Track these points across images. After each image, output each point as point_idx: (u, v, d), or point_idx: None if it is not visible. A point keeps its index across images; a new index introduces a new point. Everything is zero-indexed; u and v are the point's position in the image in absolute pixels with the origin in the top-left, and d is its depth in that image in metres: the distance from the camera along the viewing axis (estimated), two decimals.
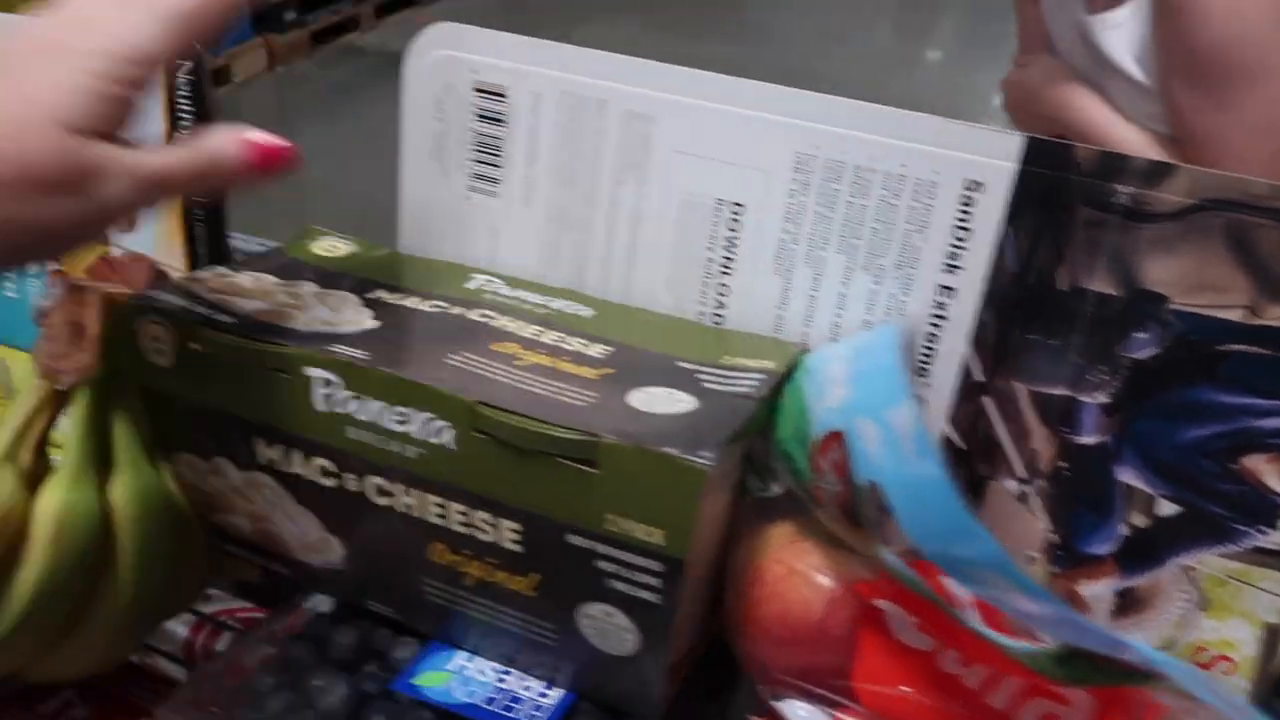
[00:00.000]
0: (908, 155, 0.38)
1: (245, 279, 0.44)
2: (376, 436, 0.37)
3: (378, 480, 0.39)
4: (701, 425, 0.34)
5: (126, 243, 0.49)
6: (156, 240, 0.48)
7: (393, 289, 0.44)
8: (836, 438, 0.35)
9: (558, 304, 0.44)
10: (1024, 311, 0.39)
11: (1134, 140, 0.72)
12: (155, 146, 0.32)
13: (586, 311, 0.43)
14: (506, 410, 0.35)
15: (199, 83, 0.46)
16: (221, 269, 0.45)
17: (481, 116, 0.45)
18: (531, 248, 0.46)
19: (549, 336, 0.41)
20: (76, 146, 0.30)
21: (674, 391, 0.37)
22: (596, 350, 0.40)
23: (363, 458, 0.38)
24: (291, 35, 2.98)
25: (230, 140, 0.33)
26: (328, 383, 0.38)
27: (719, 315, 0.44)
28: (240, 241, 0.54)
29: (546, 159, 0.44)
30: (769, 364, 0.39)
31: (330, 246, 0.48)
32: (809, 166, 0.40)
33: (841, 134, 0.39)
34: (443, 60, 0.45)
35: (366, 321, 0.41)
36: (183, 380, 0.41)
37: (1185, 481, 0.38)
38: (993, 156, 0.37)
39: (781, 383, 0.39)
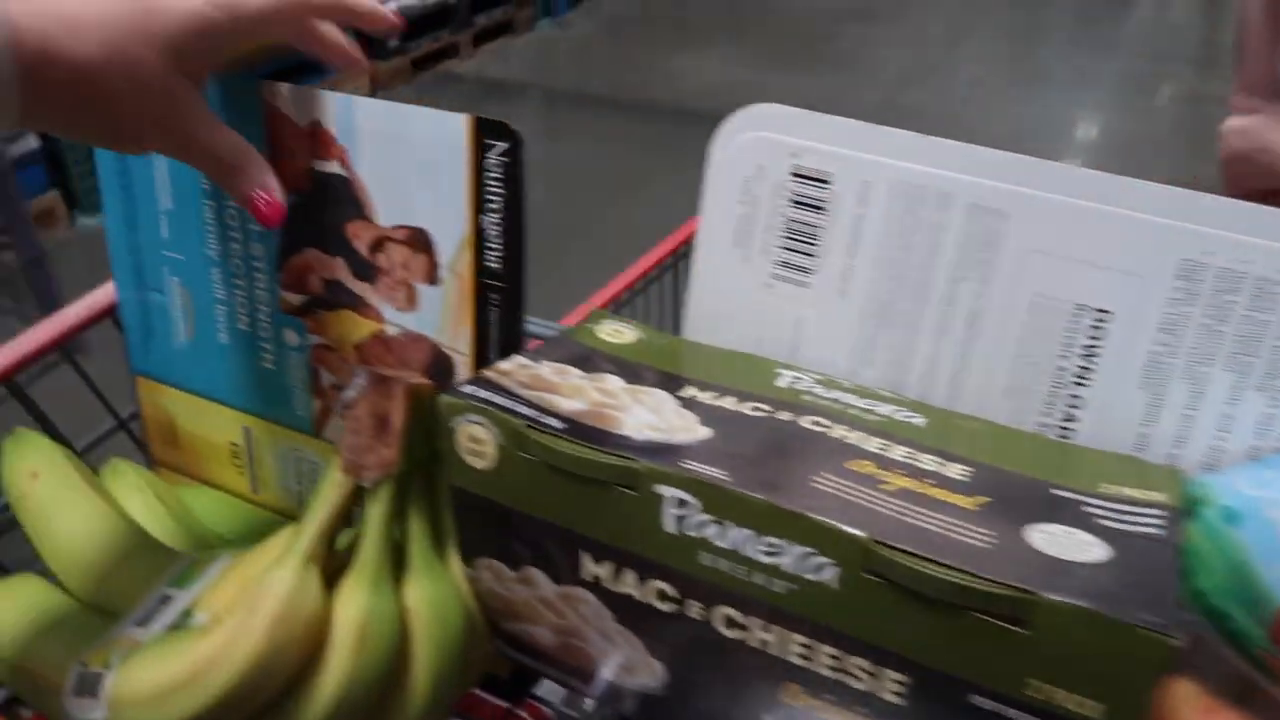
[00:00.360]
0: None
1: (547, 371, 0.41)
2: (737, 566, 0.34)
3: (729, 611, 0.35)
4: (1137, 581, 0.31)
5: (405, 321, 0.46)
6: (441, 319, 0.46)
7: (703, 386, 0.41)
8: None
9: (884, 409, 0.41)
10: None
11: None
12: None
13: (918, 419, 0.40)
14: (909, 552, 0.31)
15: None
16: (522, 359, 0.42)
17: (797, 202, 0.42)
18: (843, 343, 0.43)
19: (897, 452, 0.37)
20: None
21: (1073, 532, 0.33)
22: (955, 471, 0.37)
23: (715, 586, 0.35)
24: (394, 62, 3.01)
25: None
26: (682, 503, 0.35)
27: (1067, 429, 0.40)
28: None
29: (871, 250, 0.41)
30: (1157, 495, 0.35)
31: (615, 331, 0.46)
32: (1198, 274, 0.36)
33: (1240, 240, 0.35)
34: (757, 141, 0.42)
35: (698, 429, 0.38)
36: (503, 486, 0.38)
37: None
38: None
39: (1182, 518, 0.35)
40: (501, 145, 0.41)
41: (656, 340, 0.46)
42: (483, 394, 0.39)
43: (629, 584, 0.37)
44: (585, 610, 0.39)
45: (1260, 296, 0.36)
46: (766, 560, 0.34)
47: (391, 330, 0.47)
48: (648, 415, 0.39)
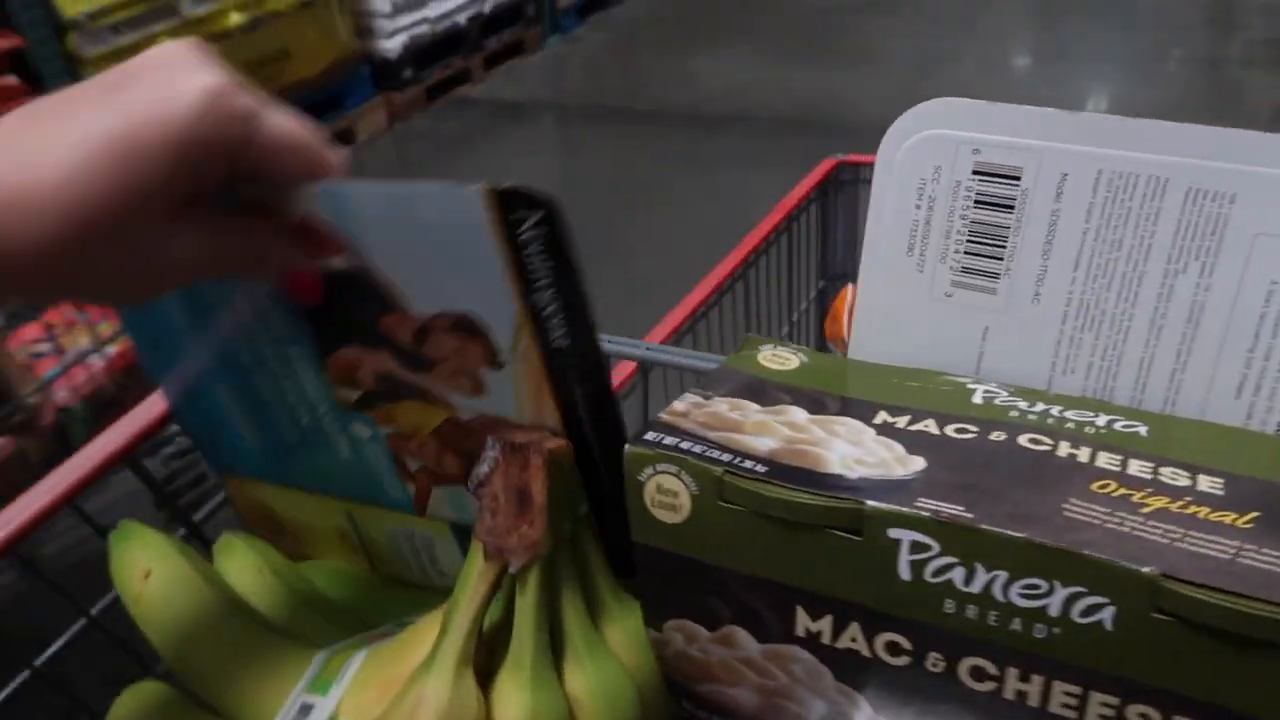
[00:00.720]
0: None
1: (724, 408, 0.38)
2: (988, 612, 0.31)
3: (978, 662, 0.32)
4: None
5: (479, 406, 0.39)
6: (516, 402, 0.38)
7: (894, 410, 0.38)
8: None
9: (1100, 420, 0.37)
10: None
11: None
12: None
13: (1140, 428, 0.36)
14: (1206, 587, 0.28)
15: None
16: (694, 397, 0.39)
17: (981, 202, 0.38)
18: (1038, 352, 0.39)
19: (1135, 467, 0.34)
20: None
21: None
22: (1207, 484, 0.33)
23: (959, 635, 0.32)
24: (409, 93, 3.00)
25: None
26: (919, 547, 0.31)
27: None
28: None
29: (1069, 248, 0.38)
30: None
31: (778, 357, 0.42)
32: None
33: None
34: (932, 140, 0.38)
35: (910, 460, 0.34)
36: (699, 539, 0.35)
37: None
38: None
39: None
40: (533, 215, 0.33)
41: (824, 363, 0.42)
42: (669, 440, 0.35)
43: (853, 638, 0.34)
44: (797, 669, 0.35)
45: None
46: (1026, 604, 0.30)
47: (466, 415, 0.40)
48: (849, 448, 0.35)
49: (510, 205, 0.32)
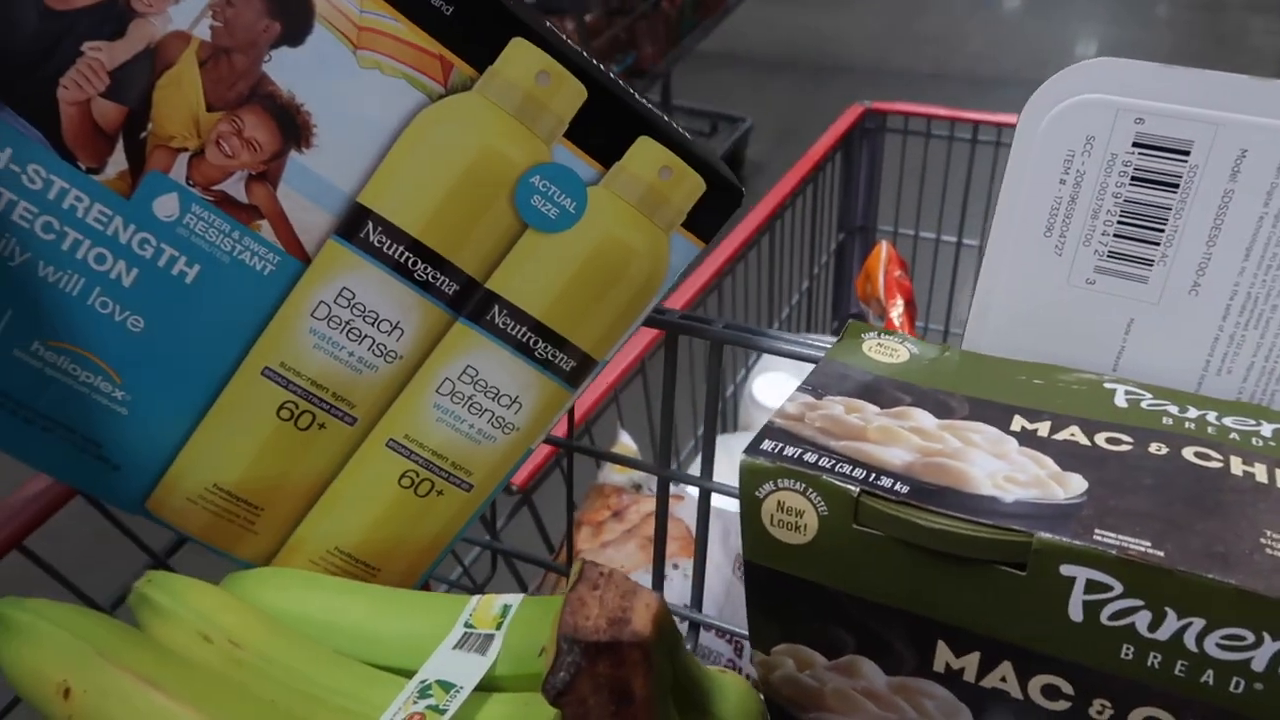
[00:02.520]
0: None
1: (840, 411, 0.33)
2: (1175, 661, 0.27)
3: (1156, 713, 0.28)
4: None
5: None
6: None
7: (1031, 415, 0.33)
8: None
9: (1266, 429, 0.33)
10: None
11: None
12: None
13: None
14: None
15: None
16: (806, 398, 0.34)
17: (1139, 179, 0.34)
18: (1192, 349, 0.35)
19: None
20: None
21: None
22: None
23: (1136, 684, 0.28)
24: None
25: None
26: (1096, 586, 0.27)
27: None
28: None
29: (1243, 235, 0.33)
30: None
31: (884, 348, 0.38)
32: None
33: None
34: (1086, 106, 0.34)
35: (1067, 479, 0.30)
36: (825, 563, 0.31)
37: None
38: None
39: None
40: None
41: (936, 356, 0.38)
42: (790, 451, 0.31)
43: (1003, 678, 0.30)
44: (930, 705, 0.32)
45: None
46: (1224, 657, 0.26)
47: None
48: (994, 463, 0.31)
49: None
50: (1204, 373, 0.35)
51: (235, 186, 0.35)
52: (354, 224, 0.36)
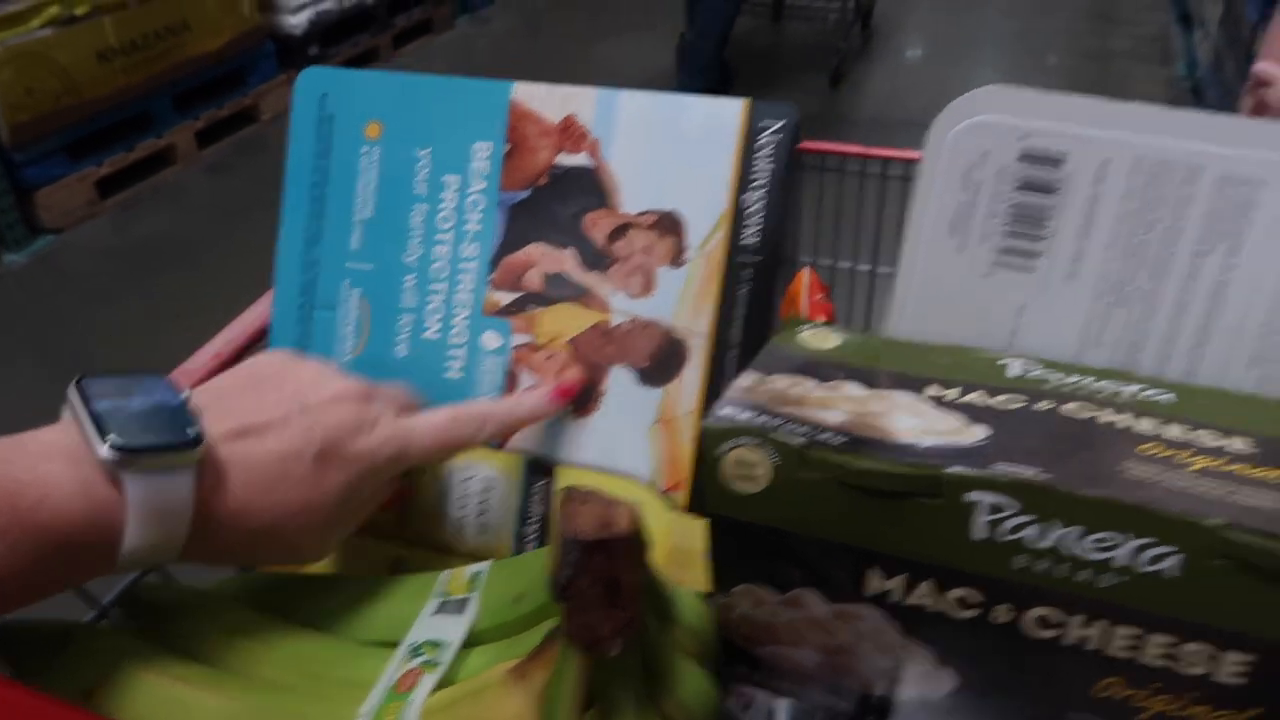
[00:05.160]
0: None
1: (785, 384, 0.39)
2: (1057, 566, 0.33)
3: (1044, 611, 0.34)
4: None
5: (636, 308, 0.45)
6: (679, 302, 0.45)
7: (943, 384, 0.40)
8: None
9: (1130, 389, 0.40)
10: None
11: None
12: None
13: (1166, 396, 0.39)
14: (1265, 533, 0.30)
15: None
16: (753, 375, 0.40)
17: (1025, 185, 0.41)
18: (1069, 326, 0.42)
19: (1173, 431, 0.37)
20: None
21: None
22: (1240, 445, 0.36)
23: (1028, 587, 0.34)
24: None
25: (546, 397, 0.45)
26: (996, 508, 0.33)
27: None
28: None
29: (1106, 230, 0.40)
30: None
31: (820, 336, 0.44)
32: None
33: None
34: (981, 125, 0.41)
35: (972, 429, 0.36)
36: (777, 508, 0.36)
37: None
38: None
39: None
40: (776, 124, 0.42)
41: (865, 341, 0.44)
42: (746, 415, 0.36)
43: (923, 595, 0.36)
44: (863, 626, 0.37)
45: None
46: (1094, 557, 0.33)
47: (617, 319, 0.46)
48: (913, 419, 0.37)
49: (758, 113, 0.43)
50: (1080, 346, 0.42)
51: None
52: None
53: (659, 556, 0.43)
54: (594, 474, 0.46)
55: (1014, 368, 0.41)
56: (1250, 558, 0.31)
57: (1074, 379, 0.40)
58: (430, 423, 0.42)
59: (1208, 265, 0.39)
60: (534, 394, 0.45)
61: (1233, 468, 0.34)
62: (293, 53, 2.91)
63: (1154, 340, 0.41)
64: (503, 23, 3.70)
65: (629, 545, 0.32)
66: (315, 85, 0.49)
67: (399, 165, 0.48)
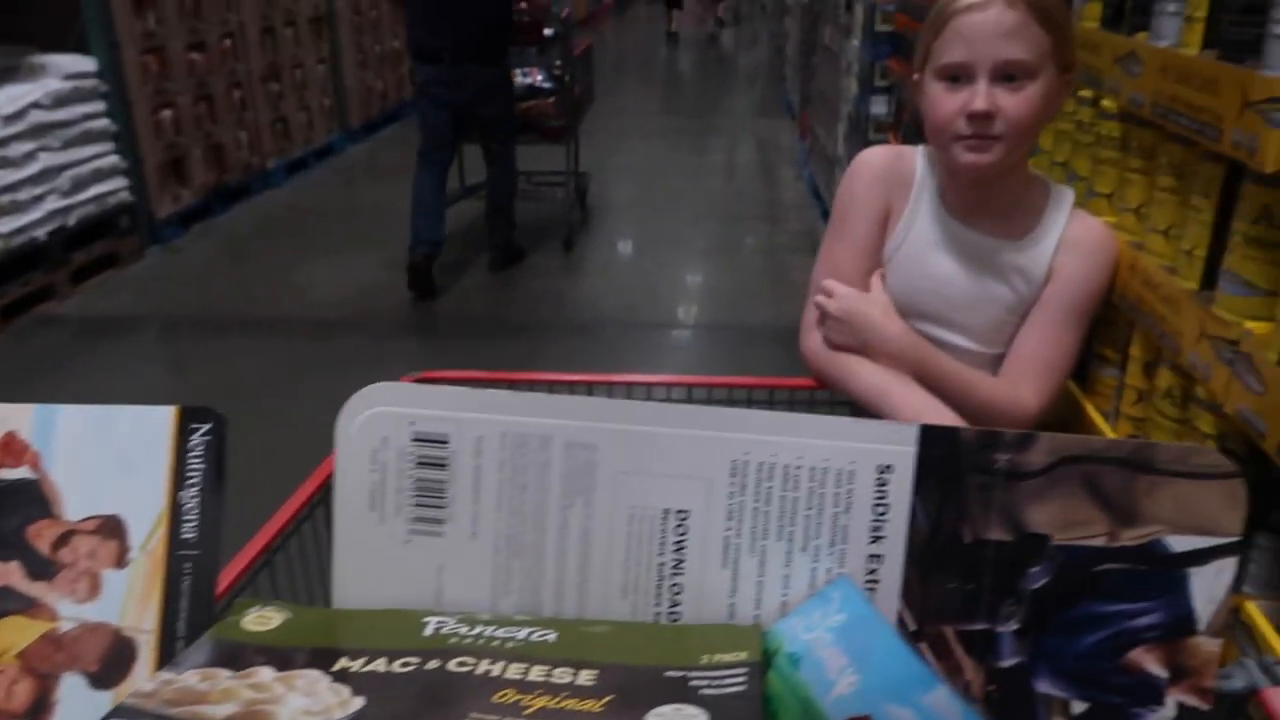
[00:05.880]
0: (828, 451, 0.45)
1: (194, 679, 0.42)
2: None
3: None
4: None
5: (84, 613, 0.46)
6: (124, 603, 0.46)
7: (354, 654, 0.44)
8: None
9: (521, 633, 0.46)
10: (941, 565, 0.46)
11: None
12: None
13: (551, 635, 0.45)
14: None
15: None
16: (166, 675, 0.42)
17: (422, 463, 0.47)
18: (481, 580, 0.48)
19: (535, 673, 0.42)
20: None
21: (682, 707, 0.40)
22: (585, 677, 0.42)
23: None
24: None
25: None
26: None
27: (675, 613, 0.47)
28: None
29: (492, 494, 0.47)
30: (743, 654, 0.43)
31: (263, 618, 0.47)
32: (744, 471, 0.46)
33: (769, 440, 0.46)
34: (378, 416, 0.47)
35: (353, 702, 0.40)
36: None
37: (1089, 682, 0.46)
38: (897, 444, 0.45)
39: (763, 670, 0.43)
40: (205, 426, 0.47)
41: (306, 617, 0.48)
42: None
43: None
44: None
45: (788, 480, 0.46)
46: None
47: (66, 626, 0.47)
48: (303, 700, 0.41)
49: (187, 417, 0.47)
50: (494, 596, 0.48)
51: None
52: None
53: None
54: None
55: (429, 626, 0.46)
56: None
57: (477, 630, 0.46)
58: None
59: (573, 516, 0.47)
60: None
61: (566, 703, 0.40)
62: None
63: (548, 584, 0.48)
64: (198, 251, 3.66)
65: None
66: None
67: None
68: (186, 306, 3.19)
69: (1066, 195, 0.89)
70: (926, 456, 0.45)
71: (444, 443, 0.47)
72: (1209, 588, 0.45)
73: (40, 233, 2.95)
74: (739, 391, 0.90)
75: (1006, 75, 0.79)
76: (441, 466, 0.47)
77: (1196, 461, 0.44)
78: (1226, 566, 0.45)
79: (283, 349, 2.79)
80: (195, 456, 0.47)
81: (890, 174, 0.90)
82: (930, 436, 0.45)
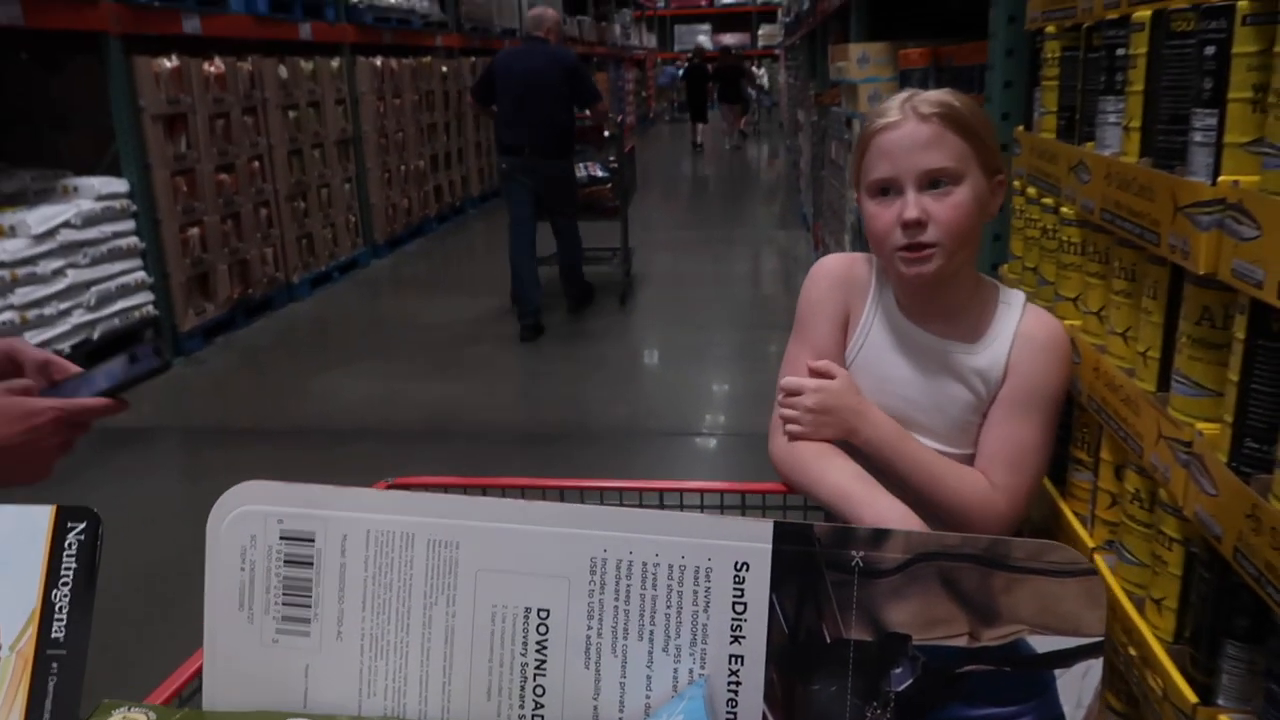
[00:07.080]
0: (684, 548, 0.45)
1: None
2: None
3: None
4: None
5: None
6: None
7: None
8: None
9: None
10: (803, 666, 0.45)
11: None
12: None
13: None
14: None
15: None
16: None
17: (289, 561, 0.48)
18: (348, 680, 0.48)
19: None
20: None
21: None
22: None
23: None
24: None
25: None
26: None
27: (539, 715, 0.47)
28: None
29: (357, 593, 0.47)
30: None
31: None
32: (602, 568, 0.46)
33: (626, 537, 0.46)
34: (246, 514, 0.48)
35: None
36: None
37: None
38: (753, 540, 0.45)
39: None
40: (80, 525, 0.47)
41: (173, 719, 0.47)
42: None
43: None
44: None
45: (646, 578, 0.46)
46: None
47: None
48: None
49: (64, 516, 0.48)
50: (360, 698, 0.48)
51: None
52: None
53: None
54: None
55: None
56: None
57: None
58: None
59: (436, 614, 0.47)
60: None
61: None
62: None
63: (413, 684, 0.47)
64: (220, 362, 3.75)
65: None
66: None
67: None
68: (206, 416, 3.25)
69: (1017, 295, 0.90)
70: (782, 553, 0.45)
71: (310, 541, 0.48)
72: (1076, 690, 0.43)
73: (65, 346, 3.05)
74: (711, 496, 0.90)
75: (932, 183, 0.81)
76: (308, 565, 0.48)
77: (1051, 558, 0.44)
78: (1093, 668, 0.44)
79: (297, 457, 2.82)
80: (70, 555, 0.48)
81: (848, 279, 0.92)
82: (785, 533, 0.45)
